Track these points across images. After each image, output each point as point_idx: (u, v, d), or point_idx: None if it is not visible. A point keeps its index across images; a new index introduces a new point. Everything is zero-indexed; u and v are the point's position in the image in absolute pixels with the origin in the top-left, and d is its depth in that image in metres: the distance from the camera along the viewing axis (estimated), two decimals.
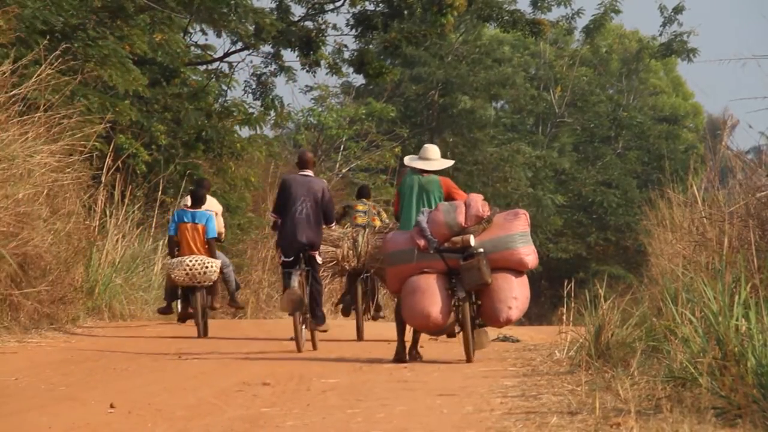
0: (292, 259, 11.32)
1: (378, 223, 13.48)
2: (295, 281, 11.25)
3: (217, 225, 13.71)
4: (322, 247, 12.79)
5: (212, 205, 14.06)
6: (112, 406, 7.06)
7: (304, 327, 11.37)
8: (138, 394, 7.79)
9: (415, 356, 10.34)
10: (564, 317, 9.71)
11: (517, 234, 10.03)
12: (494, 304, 9.88)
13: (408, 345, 10.34)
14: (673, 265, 9.70)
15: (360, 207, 13.78)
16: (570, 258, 41.03)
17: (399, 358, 10.20)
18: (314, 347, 11.53)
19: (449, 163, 10.78)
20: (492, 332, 15.60)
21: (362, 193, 14.15)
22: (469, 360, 9.97)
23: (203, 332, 13.22)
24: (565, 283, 9.64)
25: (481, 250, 9.83)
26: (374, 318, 14.21)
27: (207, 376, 9.07)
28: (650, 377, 7.39)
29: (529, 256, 10.04)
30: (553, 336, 11.25)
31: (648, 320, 8.88)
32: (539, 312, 41.23)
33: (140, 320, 16.82)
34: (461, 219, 9.95)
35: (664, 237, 12.67)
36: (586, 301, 9.16)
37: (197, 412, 6.91)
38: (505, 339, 13.87)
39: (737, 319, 6.82)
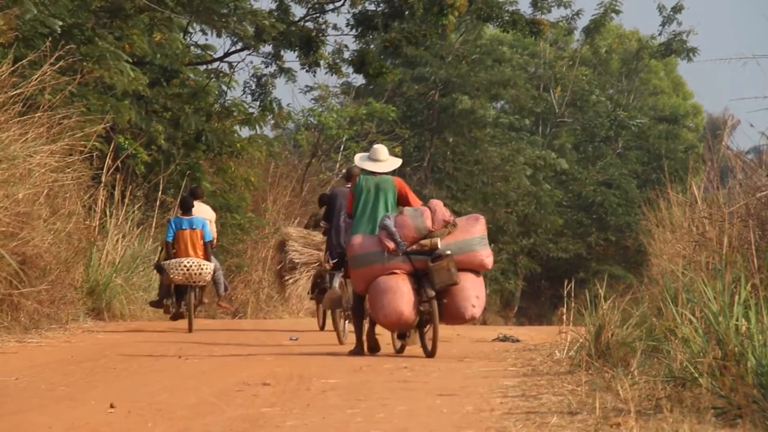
0: (336, 261, 12.56)
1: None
2: (337, 282, 12.47)
3: (211, 230, 14.86)
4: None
5: (206, 212, 15.24)
6: (112, 406, 7.06)
7: (346, 322, 12.38)
8: (138, 393, 7.79)
9: (372, 349, 10.92)
10: (564, 317, 9.72)
11: (478, 237, 10.68)
12: (460, 303, 10.47)
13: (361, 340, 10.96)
14: (673, 265, 9.69)
15: None
16: (570, 258, 41.03)
17: (357, 351, 10.83)
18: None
19: (398, 162, 11.18)
20: (492, 332, 15.68)
21: (324, 200, 15.01)
22: (434, 354, 10.58)
23: (190, 327, 14.38)
24: (565, 283, 9.66)
25: (449, 252, 10.41)
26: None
27: (207, 376, 9.07)
28: (650, 377, 7.39)
29: (489, 258, 10.72)
30: (553, 336, 11.26)
31: (648, 320, 8.88)
32: (539, 312, 41.24)
33: (140, 320, 16.83)
34: (429, 223, 10.54)
35: (664, 237, 12.68)
36: (586, 301, 9.16)
37: (197, 412, 6.91)
38: (505, 339, 13.88)
39: (737, 319, 6.82)
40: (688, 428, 5.86)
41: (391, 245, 10.41)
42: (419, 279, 10.47)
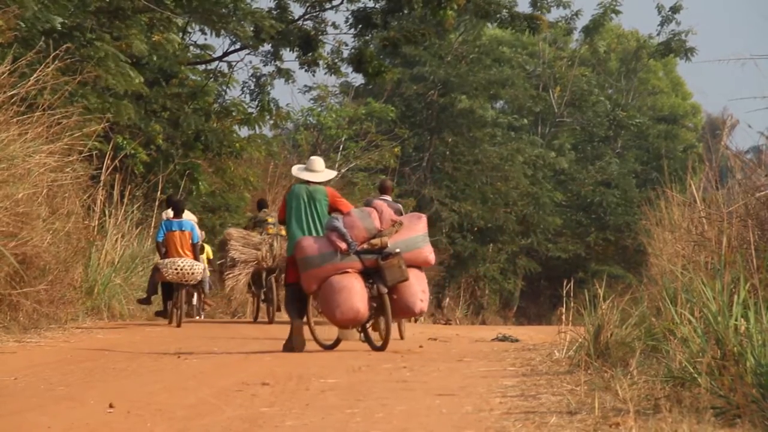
0: None
1: (284, 232, 15.02)
2: None
3: (198, 233, 15.78)
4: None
5: (189, 217, 16.18)
6: (111, 406, 7.06)
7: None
8: (137, 393, 7.79)
9: (291, 348, 11.21)
10: (563, 317, 9.72)
11: (421, 235, 11.21)
12: (408, 298, 10.96)
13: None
14: (672, 265, 9.69)
15: (270, 219, 17.14)
16: (569, 258, 41.03)
17: (290, 347, 11.16)
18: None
19: (333, 173, 12.01)
20: (491, 332, 15.70)
21: (261, 205, 17.91)
22: (385, 348, 11.00)
23: (179, 322, 15.38)
24: (565, 283, 9.67)
25: (398, 250, 10.93)
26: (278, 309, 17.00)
27: (206, 376, 9.07)
28: (649, 377, 7.39)
29: (431, 254, 11.30)
30: (553, 336, 11.26)
31: (647, 320, 8.88)
32: (538, 312, 41.25)
33: (139, 320, 16.83)
34: (377, 223, 11.02)
35: (663, 237, 12.67)
36: (586, 300, 9.16)
37: (196, 412, 6.91)
38: (504, 339, 13.88)
39: (736, 319, 6.81)
40: (687, 428, 5.86)
41: (343, 246, 10.85)
42: (370, 277, 10.92)
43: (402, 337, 13.26)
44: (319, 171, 11.57)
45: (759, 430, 5.93)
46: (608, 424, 6.10)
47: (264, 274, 17.15)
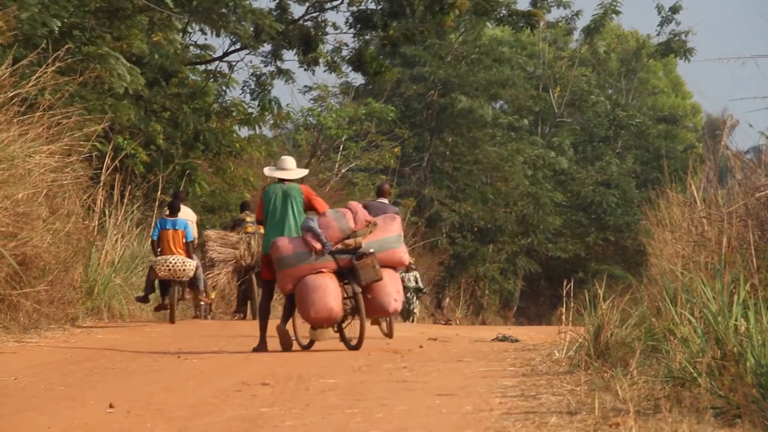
0: None
1: (263, 231, 15.89)
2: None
3: (192, 231, 16.15)
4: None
5: (188, 214, 16.55)
6: (111, 406, 7.06)
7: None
8: (137, 393, 7.79)
9: (262, 349, 11.35)
10: (563, 317, 9.72)
11: (395, 236, 11.43)
12: (383, 298, 11.17)
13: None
14: (672, 265, 9.69)
15: (248, 219, 17.79)
16: (569, 258, 41.02)
17: (261, 348, 11.33)
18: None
19: (304, 172, 12.18)
20: (491, 332, 15.69)
21: (243, 207, 18.66)
22: (359, 347, 11.18)
23: (172, 319, 15.86)
24: (565, 283, 9.67)
25: (372, 250, 11.12)
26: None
27: (206, 376, 9.08)
28: (649, 377, 7.39)
29: (406, 254, 11.57)
30: (553, 336, 11.26)
31: (647, 320, 8.87)
32: (538, 312, 41.26)
33: (139, 320, 16.83)
34: (352, 224, 11.22)
35: (663, 237, 12.67)
36: (586, 301, 9.15)
37: (196, 412, 6.91)
38: (504, 339, 13.88)
39: (736, 319, 6.81)
40: (687, 428, 5.86)
41: (318, 246, 11.04)
42: (344, 276, 11.13)
43: (391, 336, 13.34)
44: (291, 169, 11.73)
45: (759, 430, 5.93)
46: (608, 424, 6.10)
47: (243, 272, 17.84)
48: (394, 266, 11.42)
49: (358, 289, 11.09)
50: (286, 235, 11.27)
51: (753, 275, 7.70)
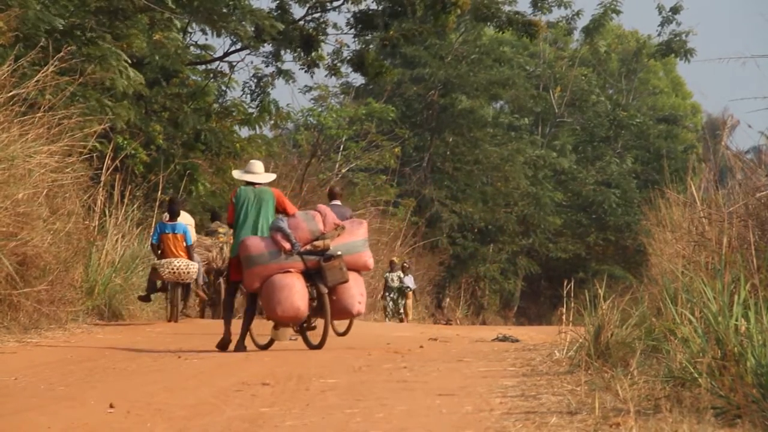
0: None
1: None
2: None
3: (191, 235, 16.50)
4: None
5: (186, 218, 16.92)
6: (111, 406, 7.06)
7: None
8: (137, 393, 7.79)
9: (242, 348, 11.52)
10: (563, 317, 9.72)
11: (362, 240, 11.69)
12: (347, 300, 11.47)
13: (235, 338, 11.62)
14: (672, 265, 9.68)
15: (221, 230, 18.41)
16: (569, 258, 41.02)
17: (224, 344, 11.52)
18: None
19: (273, 176, 12.23)
20: (491, 332, 15.68)
21: (214, 216, 19.21)
22: (321, 346, 11.43)
23: (176, 318, 16.21)
24: (565, 283, 9.66)
25: (340, 252, 11.37)
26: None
27: (206, 376, 9.07)
28: (650, 377, 7.39)
29: (371, 259, 11.82)
30: (553, 336, 11.25)
31: (647, 320, 8.87)
32: (539, 312, 41.26)
33: (139, 320, 16.83)
34: (321, 226, 11.48)
35: (663, 237, 12.67)
36: (586, 301, 9.15)
37: (196, 412, 6.91)
38: (505, 339, 13.87)
39: (737, 319, 6.81)
40: (688, 428, 5.86)
41: (287, 246, 11.25)
42: (310, 277, 11.34)
43: (345, 335, 13.51)
44: (260, 173, 11.87)
45: (759, 430, 5.93)
46: (608, 424, 6.10)
47: (213, 276, 18.35)
48: (358, 270, 11.65)
49: (324, 290, 11.31)
50: (271, 234, 11.42)
51: (753, 275, 7.70)
